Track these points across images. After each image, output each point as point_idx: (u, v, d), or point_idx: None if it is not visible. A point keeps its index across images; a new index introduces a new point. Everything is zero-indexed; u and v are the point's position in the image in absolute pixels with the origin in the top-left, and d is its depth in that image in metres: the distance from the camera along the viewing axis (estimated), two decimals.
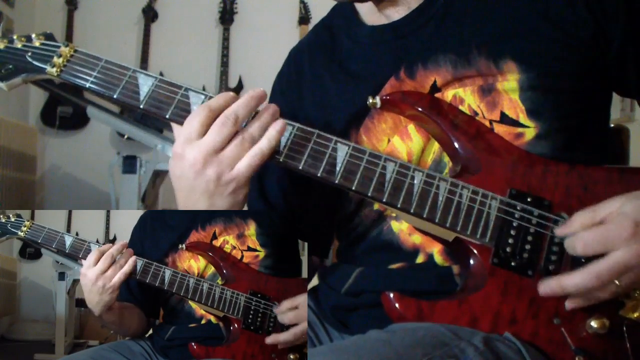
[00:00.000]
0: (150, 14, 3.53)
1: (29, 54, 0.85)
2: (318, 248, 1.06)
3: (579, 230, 0.71)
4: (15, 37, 0.87)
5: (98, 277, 1.02)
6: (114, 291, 1.04)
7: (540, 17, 0.80)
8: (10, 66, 0.85)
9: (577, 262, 0.70)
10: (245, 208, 0.87)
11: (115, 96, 0.81)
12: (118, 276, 1.03)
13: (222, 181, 0.76)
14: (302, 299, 1.04)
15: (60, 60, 0.84)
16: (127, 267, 1.04)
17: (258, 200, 1.03)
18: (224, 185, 0.76)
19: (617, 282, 0.68)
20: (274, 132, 0.77)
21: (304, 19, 3.51)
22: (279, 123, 0.77)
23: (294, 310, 1.05)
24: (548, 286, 0.71)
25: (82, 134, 3.48)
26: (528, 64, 0.79)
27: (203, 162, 0.75)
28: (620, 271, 0.67)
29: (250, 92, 0.78)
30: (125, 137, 3.13)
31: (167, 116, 0.80)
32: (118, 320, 1.14)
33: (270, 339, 1.04)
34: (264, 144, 0.76)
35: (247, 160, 0.75)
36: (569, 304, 0.71)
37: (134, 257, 1.05)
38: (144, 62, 3.45)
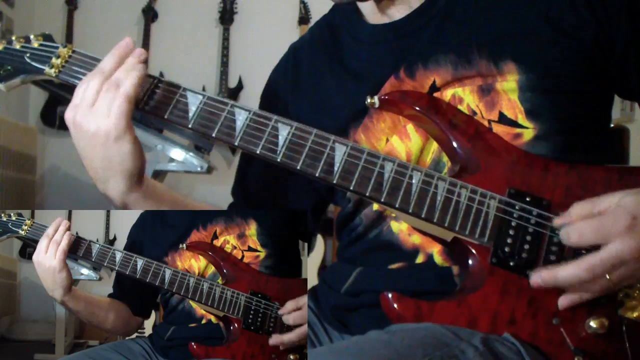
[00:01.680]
0: (150, 14, 3.52)
1: (28, 54, 0.85)
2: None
3: (575, 221, 0.70)
4: (14, 38, 0.87)
5: (43, 259, 1.06)
6: (61, 270, 1.06)
7: (541, 19, 0.80)
8: (9, 67, 0.85)
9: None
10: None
11: None
12: (58, 253, 1.06)
13: (102, 132, 0.77)
14: (305, 300, 1.04)
15: (59, 61, 0.84)
16: (63, 244, 1.06)
17: (238, 190, 1.04)
18: (106, 136, 0.77)
19: (607, 276, 0.67)
20: (134, 71, 0.79)
21: (304, 19, 3.51)
22: (139, 65, 0.80)
23: (298, 311, 1.05)
24: (539, 277, 0.70)
25: None
26: (528, 65, 0.78)
27: (80, 119, 0.77)
28: (614, 265, 0.67)
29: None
30: None
31: (166, 116, 0.80)
32: (85, 310, 1.15)
33: (273, 340, 1.04)
34: (126, 85, 0.78)
35: (116, 104, 0.77)
36: (562, 301, 0.71)
37: (68, 233, 1.08)
38: (144, 62, 3.44)
